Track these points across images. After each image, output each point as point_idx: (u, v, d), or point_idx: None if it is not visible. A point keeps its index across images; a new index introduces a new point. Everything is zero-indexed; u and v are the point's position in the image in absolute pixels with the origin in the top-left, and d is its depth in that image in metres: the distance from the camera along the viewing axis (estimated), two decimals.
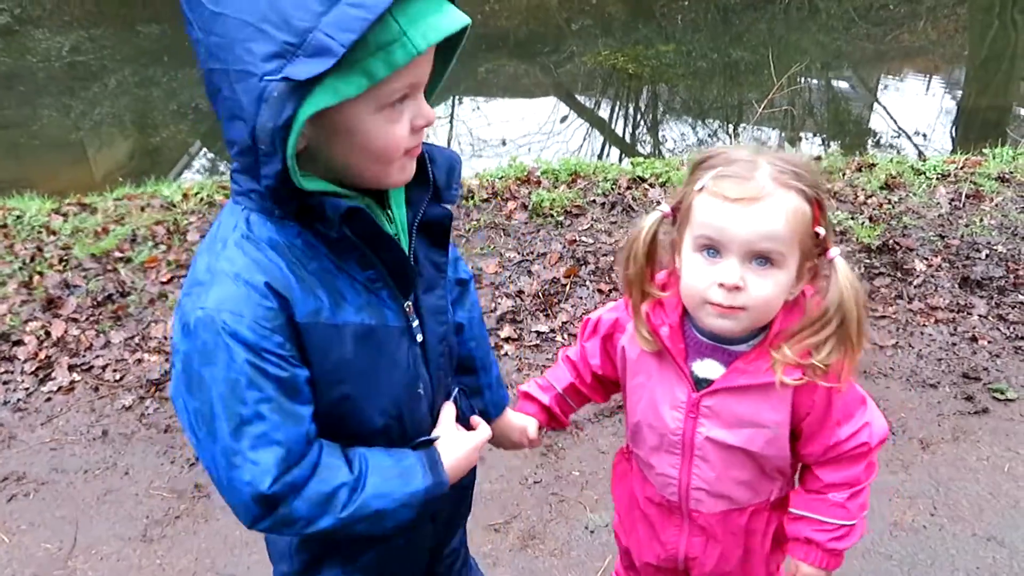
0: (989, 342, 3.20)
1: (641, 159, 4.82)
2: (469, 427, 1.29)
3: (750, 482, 1.35)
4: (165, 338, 3.26)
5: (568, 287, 3.52)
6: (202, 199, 4.25)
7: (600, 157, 6.78)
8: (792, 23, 10.43)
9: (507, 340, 3.24)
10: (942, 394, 2.97)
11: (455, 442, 1.19)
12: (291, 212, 0.98)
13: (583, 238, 3.84)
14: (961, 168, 4.46)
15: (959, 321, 3.31)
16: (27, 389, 3.04)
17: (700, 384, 1.30)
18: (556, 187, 4.25)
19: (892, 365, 3.10)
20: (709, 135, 7.28)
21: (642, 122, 8.21)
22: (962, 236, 3.81)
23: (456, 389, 1.31)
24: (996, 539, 2.37)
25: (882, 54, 9.60)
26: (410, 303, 1.12)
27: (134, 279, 3.57)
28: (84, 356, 3.18)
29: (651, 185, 4.26)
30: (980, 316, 3.33)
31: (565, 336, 3.27)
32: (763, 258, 1.15)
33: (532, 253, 3.74)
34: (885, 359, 3.13)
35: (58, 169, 6.29)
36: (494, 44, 9.61)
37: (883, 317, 3.34)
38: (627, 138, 7.75)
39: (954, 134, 7.14)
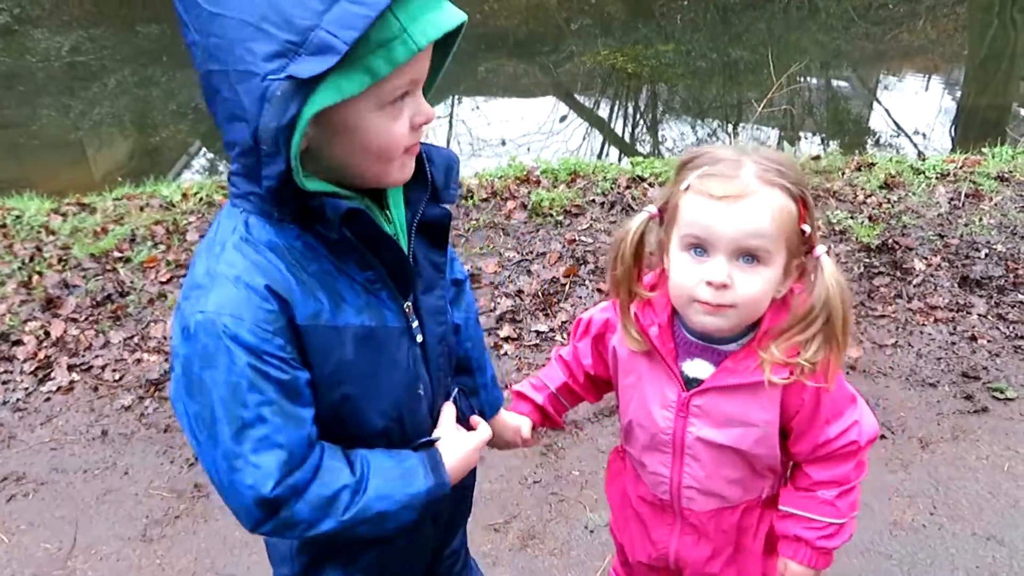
0: (988, 341, 3.20)
1: (641, 158, 4.82)
2: (469, 427, 1.29)
3: (741, 480, 1.36)
4: (164, 338, 3.26)
5: (568, 287, 3.52)
6: (201, 199, 4.25)
7: (599, 157, 6.78)
8: (791, 22, 10.43)
9: (506, 340, 3.24)
10: (941, 393, 2.97)
11: (456, 442, 1.19)
12: (290, 214, 0.98)
13: (582, 238, 3.84)
14: (960, 167, 4.46)
15: (958, 320, 3.31)
16: (26, 389, 3.04)
17: (690, 384, 1.30)
18: (555, 187, 4.25)
19: (891, 364, 3.11)
20: (708, 134, 7.28)
21: (641, 122, 8.21)
22: (961, 235, 3.81)
23: (456, 389, 1.32)
24: (996, 538, 2.37)
25: (881, 53, 9.60)
26: (409, 304, 1.12)
27: (133, 279, 3.57)
28: (83, 356, 3.18)
29: (651, 184, 4.26)
30: (979, 315, 3.34)
31: (565, 336, 3.26)
32: (750, 255, 1.15)
33: (531, 253, 3.74)
34: (884, 358, 3.13)
35: (57, 169, 6.29)
36: (493, 44, 9.61)
37: (882, 316, 3.35)
38: (626, 138, 7.75)
39: (953, 133, 7.14)
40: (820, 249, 1.19)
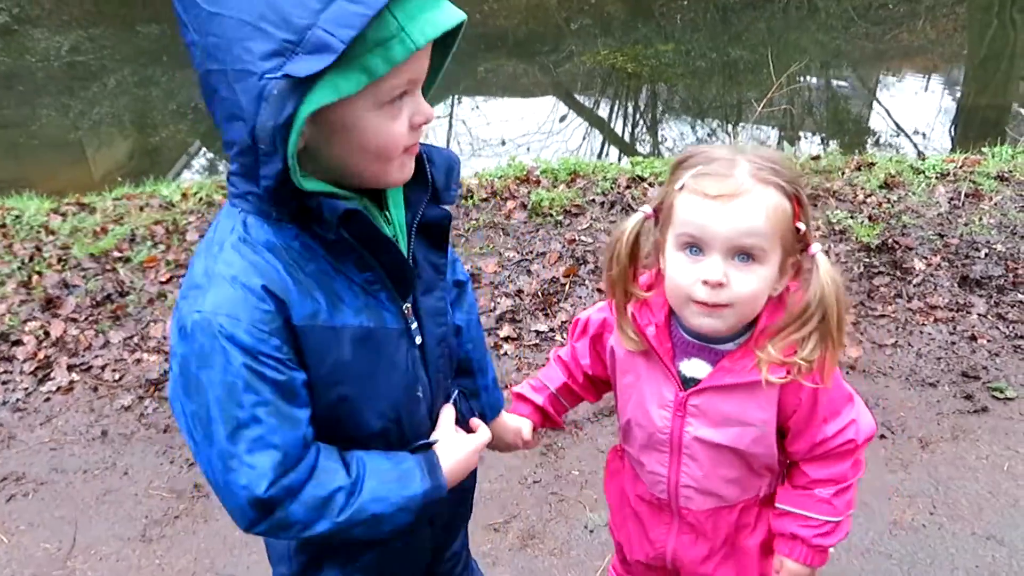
0: (988, 341, 3.20)
1: (640, 158, 4.82)
2: (469, 430, 1.29)
3: (739, 479, 1.36)
4: (164, 338, 3.26)
5: (567, 286, 3.52)
6: (201, 199, 4.25)
7: (599, 156, 6.78)
8: (791, 22, 10.43)
9: (506, 339, 3.24)
10: (941, 393, 2.97)
11: (454, 445, 1.19)
12: (288, 214, 0.98)
13: (582, 237, 3.84)
14: (960, 167, 4.45)
15: (958, 320, 3.31)
16: (26, 389, 3.04)
17: (687, 383, 1.30)
18: (555, 186, 4.25)
19: (891, 364, 3.10)
20: (708, 134, 7.28)
21: (641, 121, 8.20)
22: (961, 235, 3.81)
23: (456, 391, 1.31)
24: (995, 538, 2.37)
25: (881, 53, 9.60)
26: (409, 305, 1.12)
27: (133, 279, 3.57)
28: (83, 356, 3.18)
29: (650, 184, 4.26)
30: (979, 315, 3.33)
31: (564, 335, 3.26)
32: (745, 254, 1.16)
33: (531, 252, 3.74)
34: (884, 358, 3.13)
35: (57, 169, 6.29)
36: (493, 44, 9.61)
37: (882, 316, 3.35)
38: (626, 137, 7.75)
39: (953, 133, 7.14)
40: (816, 247, 1.19)
